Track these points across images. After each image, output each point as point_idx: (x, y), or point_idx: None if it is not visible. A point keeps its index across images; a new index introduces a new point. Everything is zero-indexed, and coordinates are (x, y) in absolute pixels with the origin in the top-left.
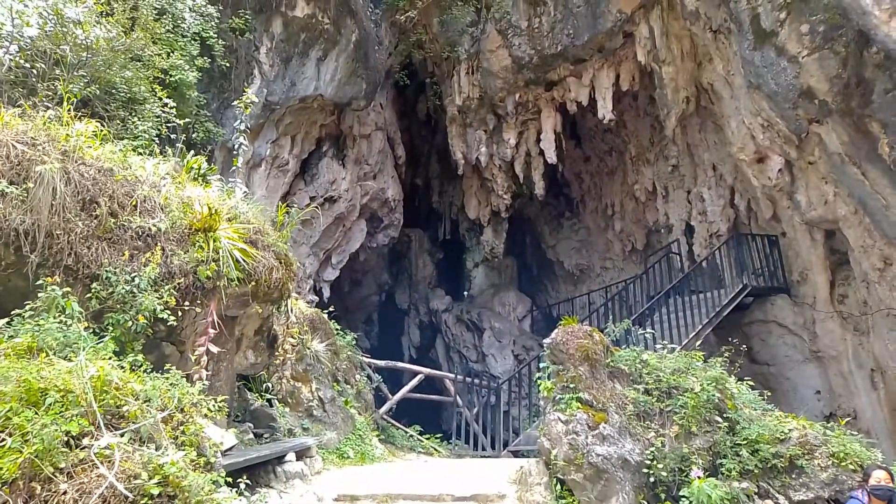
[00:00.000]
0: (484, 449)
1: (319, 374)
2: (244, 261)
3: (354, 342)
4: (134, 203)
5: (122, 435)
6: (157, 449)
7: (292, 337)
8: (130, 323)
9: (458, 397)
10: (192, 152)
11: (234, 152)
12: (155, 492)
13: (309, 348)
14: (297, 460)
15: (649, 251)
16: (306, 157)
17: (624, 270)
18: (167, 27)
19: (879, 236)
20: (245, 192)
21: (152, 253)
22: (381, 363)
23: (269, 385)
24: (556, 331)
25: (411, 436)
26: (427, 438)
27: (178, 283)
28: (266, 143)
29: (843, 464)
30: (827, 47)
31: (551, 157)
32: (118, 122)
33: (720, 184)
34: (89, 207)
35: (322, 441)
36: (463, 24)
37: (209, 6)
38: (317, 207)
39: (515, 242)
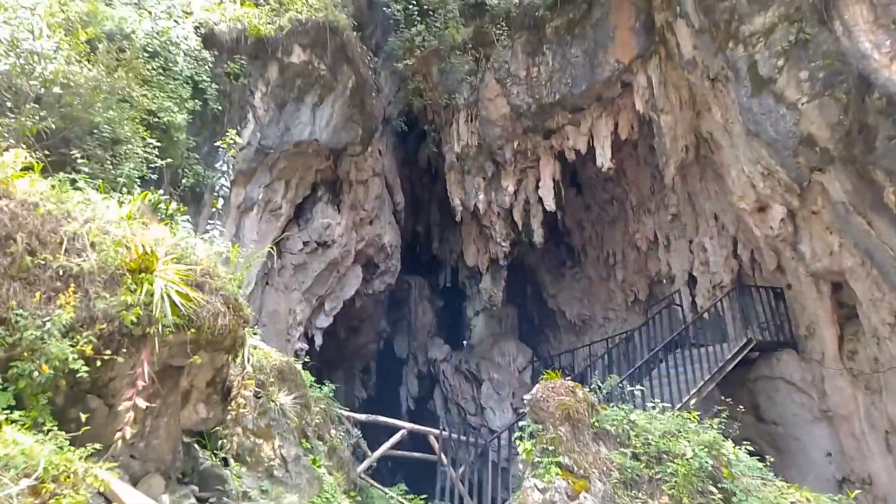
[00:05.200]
0: None
1: (284, 430)
2: (183, 306)
3: (332, 394)
4: (59, 240)
5: None
6: None
7: (245, 388)
8: (36, 373)
9: (443, 455)
10: (166, 197)
11: (216, 193)
12: None
13: (274, 401)
14: None
15: (652, 301)
16: (300, 201)
17: (627, 321)
18: (157, 69)
19: (888, 289)
20: (221, 233)
21: (66, 295)
22: (362, 417)
23: (223, 442)
24: (536, 386)
25: (392, 497)
26: (410, 500)
27: (101, 330)
28: (258, 188)
29: None
30: (827, 93)
31: (550, 204)
32: (96, 163)
33: (722, 233)
34: (4, 244)
35: None
36: (462, 73)
37: (204, 51)
38: (309, 252)
39: (516, 291)
